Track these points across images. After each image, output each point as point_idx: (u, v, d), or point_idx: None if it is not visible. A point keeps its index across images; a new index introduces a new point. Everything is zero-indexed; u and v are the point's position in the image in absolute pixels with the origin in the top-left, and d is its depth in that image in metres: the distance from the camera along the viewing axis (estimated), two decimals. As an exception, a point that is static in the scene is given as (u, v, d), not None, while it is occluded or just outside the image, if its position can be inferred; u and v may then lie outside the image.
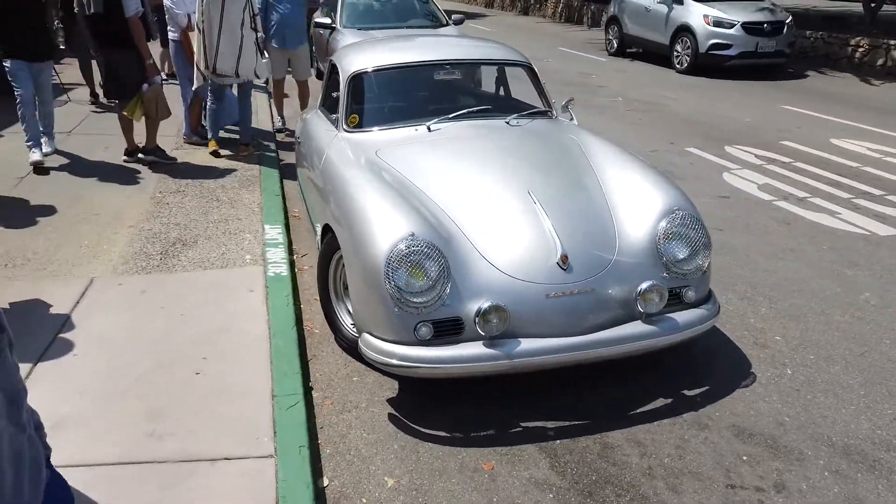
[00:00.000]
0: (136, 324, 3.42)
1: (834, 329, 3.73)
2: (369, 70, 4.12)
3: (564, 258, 2.96)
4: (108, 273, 4.00)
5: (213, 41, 5.88)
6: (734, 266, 4.50)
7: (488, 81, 4.89)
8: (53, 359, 3.09)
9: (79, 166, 6.05)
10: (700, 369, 3.37)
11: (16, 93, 5.75)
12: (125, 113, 5.99)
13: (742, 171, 6.55)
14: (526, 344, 2.84)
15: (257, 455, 2.54)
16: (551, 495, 2.58)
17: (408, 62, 4.22)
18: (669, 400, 3.13)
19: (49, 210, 4.97)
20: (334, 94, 4.27)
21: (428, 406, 3.07)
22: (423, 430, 2.93)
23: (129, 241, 4.47)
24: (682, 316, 3.07)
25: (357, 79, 4.10)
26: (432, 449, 2.82)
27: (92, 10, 5.75)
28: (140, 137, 6.20)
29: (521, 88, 4.80)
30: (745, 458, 2.77)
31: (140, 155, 6.26)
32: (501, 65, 4.46)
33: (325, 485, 2.61)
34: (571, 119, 4.50)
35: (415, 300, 2.80)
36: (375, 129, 3.97)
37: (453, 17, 10.35)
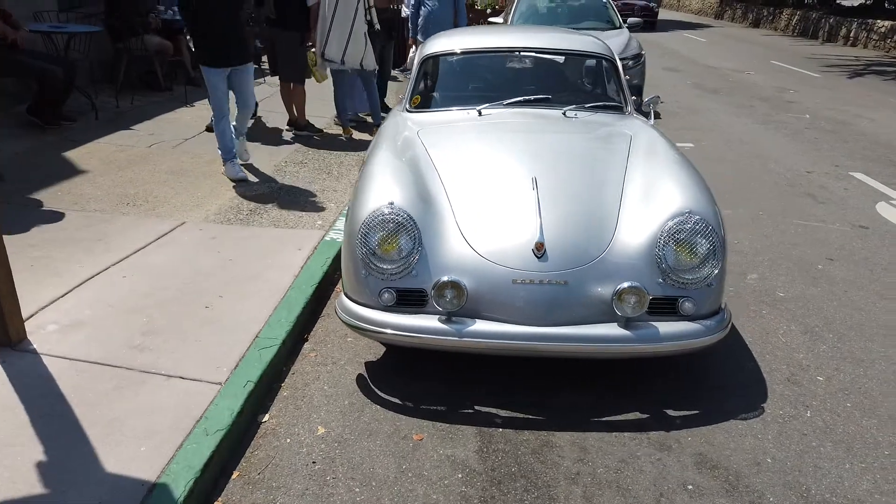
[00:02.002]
0: (189, 261, 3.89)
1: (892, 382, 3.15)
2: (438, 54, 4.24)
3: (539, 246, 2.86)
4: (199, 220, 4.57)
5: (325, 28, 6.34)
6: (820, 298, 3.94)
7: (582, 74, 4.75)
8: (108, 276, 3.65)
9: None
10: (703, 392, 3.05)
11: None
12: (317, 79, 6.80)
13: (904, 203, 5.64)
14: (480, 326, 2.80)
15: (208, 380, 2.81)
16: (460, 475, 2.54)
17: (476, 48, 4.27)
18: (646, 415, 2.89)
19: (187, 166, 5.76)
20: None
21: (399, 375, 3.15)
22: (379, 393, 3.01)
23: (232, 197, 5.05)
24: (666, 326, 2.81)
25: (426, 62, 4.25)
26: (377, 412, 2.90)
27: None
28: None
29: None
30: (689, 486, 2.49)
31: (294, 129, 7.04)
32: (580, 56, 4.32)
33: (263, 419, 2.82)
34: (649, 116, 4.25)
35: (382, 266, 2.89)
36: (432, 110, 4.09)
37: (629, 20, 10.05)
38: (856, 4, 22.46)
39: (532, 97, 4.00)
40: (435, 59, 4.27)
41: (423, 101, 4.19)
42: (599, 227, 2.99)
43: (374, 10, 6.83)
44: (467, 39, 4.45)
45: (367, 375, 3.14)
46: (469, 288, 2.82)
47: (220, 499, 2.39)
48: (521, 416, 2.88)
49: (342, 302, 3.03)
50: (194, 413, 2.61)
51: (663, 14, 28.53)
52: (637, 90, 8.84)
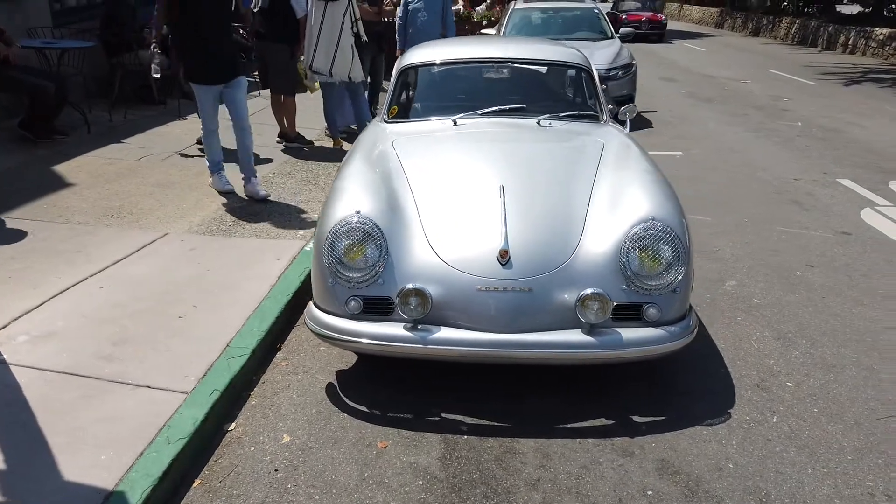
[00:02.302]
0: (167, 271, 3.93)
1: (871, 386, 3.14)
2: (415, 65, 4.29)
3: (504, 253, 2.88)
4: (181, 231, 4.61)
5: (312, 41, 6.40)
6: (797, 305, 3.94)
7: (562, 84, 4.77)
8: (85, 287, 3.68)
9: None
10: (671, 398, 3.05)
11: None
12: (310, 90, 6.94)
13: (889, 210, 5.63)
14: (445, 333, 2.81)
15: (175, 389, 2.84)
16: (421, 482, 2.55)
17: (453, 59, 4.32)
18: (611, 422, 2.89)
19: (175, 178, 5.81)
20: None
21: (369, 383, 3.16)
22: (347, 401, 3.03)
23: (216, 209, 5.09)
24: (630, 332, 2.82)
25: (404, 73, 4.29)
26: (344, 420, 2.91)
27: (259, 6, 6.65)
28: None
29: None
30: (649, 492, 2.49)
31: (284, 141, 7.11)
32: (555, 66, 4.35)
33: (229, 428, 2.83)
34: (625, 125, 4.27)
35: (348, 274, 2.92)
36: (409, 120, 4.13)
37: (621, 31, 10.10)
38: (855, 12, 22.47)
39: (507, 107, 4.03)
40: (412, 69, 4.32)
41: (401, 111, 4.23)
42: (565, 235, 3.01)
43: (360, 23, 6.89)
44: (445, 50, 4.50)
45: (336, 384, 3.16)
46: (434, 295, 2.84)
47: (179, 507, 2.40)
48: (487, 423, 2.89)
49: (310, 310, 3.06)
50: (158, 422, 2.63)
51: (663, 24, 28.52)
52: (628, 99, 8.87)
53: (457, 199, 3.19)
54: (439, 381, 3.13)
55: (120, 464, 2.39)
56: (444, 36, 7.97)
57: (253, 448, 2.72)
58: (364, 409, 2.98)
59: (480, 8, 13.49)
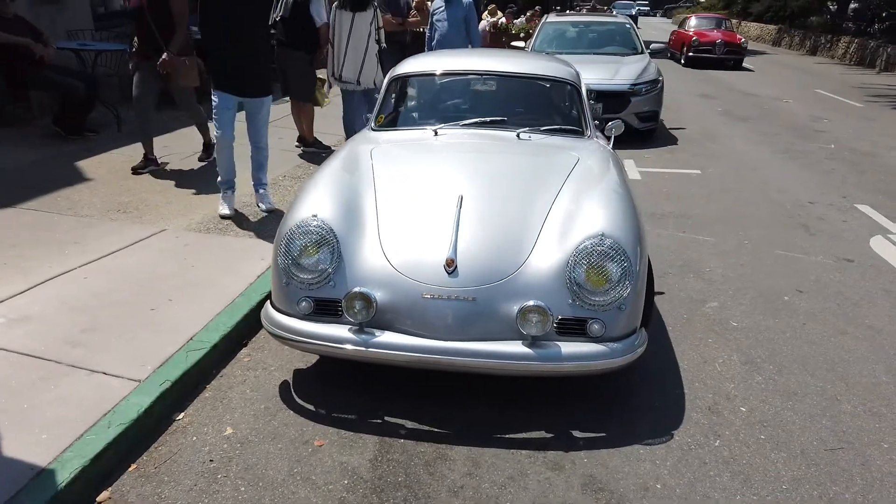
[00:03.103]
0: (153, 266, 4.09)
1: (829, 416, 3.06)
2: (404, 75, 4.37)
3: (450, 262, 2.92)
4: (179, 228, 4.79)
5: (340, 51, 6.56)
6: (774, 330, 3.85)
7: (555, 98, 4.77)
8: (72, 276, 3.87)
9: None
10: (617, 415, 3.03)
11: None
12: (319, 104, 7.17)
13: (902, 238, 5.44)
14: (388, 337, 2.87)
15: (128, 377, 2.97)
16: (346, 481, 2.60)
17: (439, 70, 4.38)
18: (550, 434, 2.90)
19: (188, 177, 6.03)
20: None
21: (323, 382, 3.24)
22: (297, 398, 3.11)
23: (217, 208, 5.26)
24: (570, 347, 2.83)
25: (394, 82, 4.38)
26: (289, 416, 2.99)
27: (280, 15, 6.88)
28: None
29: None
30: (567, 507, 2.49)
31: (302, 146, 7.31)
32: (541, 80, 4.36)
33: (178, 417, 2.95)
34: (609, 140, 4.27)
35: (301, 275, 3.00)
36: (393, 129, 4.22)
37: (651, 46, 10.01)
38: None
39: (488, 119, 4.08)
40: (401, 80, 4.40)
41: (388, 119, 4.31)
42: (516, 246, 3.03)
43: (382, 31, 7.04)
44: (435, 62, 4.57)
45: (291, 381, 3.25)
46: (379, 300, 2.90)
47: (108, 488, 2.51)
48: (427, 427, 2.93)
49: (266, 309, 3.15)
50: (104, 407, 2.75)
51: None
52: (653, 116, 8.81)
53: (416, 207, 3.25)
54: (391, 384, 3.18)
55: (58, 444, 2.52)
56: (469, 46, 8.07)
57: (195, 438, 2.82)
58: (311, 407, 3.06)
59: (519, 20, 13.55)
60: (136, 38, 6.04)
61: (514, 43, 10.57)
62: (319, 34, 6.60)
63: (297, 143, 7.47)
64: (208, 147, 6.56)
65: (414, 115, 4.41)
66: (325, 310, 3.00)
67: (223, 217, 5.07)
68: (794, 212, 6.11)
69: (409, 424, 2.95)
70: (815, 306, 4.18)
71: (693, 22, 20.90)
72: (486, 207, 3.22)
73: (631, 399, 3.16)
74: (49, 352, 3.10)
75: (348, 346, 2.88)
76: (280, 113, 8.57)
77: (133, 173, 5.99)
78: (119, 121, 7.50)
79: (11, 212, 4.83)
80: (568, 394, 3.17)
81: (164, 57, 5.58)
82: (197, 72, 6.09)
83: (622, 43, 10.09)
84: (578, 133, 4.16)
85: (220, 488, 2.55)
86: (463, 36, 8.10)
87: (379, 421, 2.97)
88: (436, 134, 4.01)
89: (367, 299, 2.88)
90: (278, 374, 3.31)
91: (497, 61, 4.48)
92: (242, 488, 2.55)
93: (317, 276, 2.99)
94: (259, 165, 5.37)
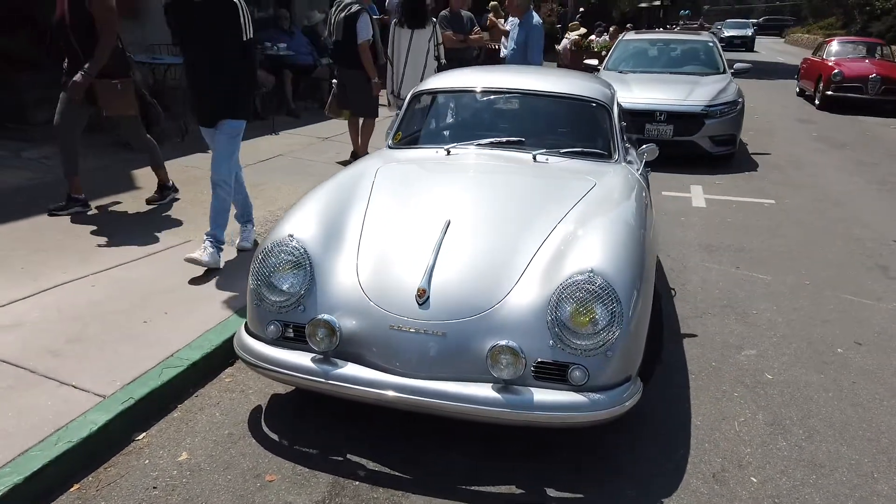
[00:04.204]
0: (162, 277, 4.08)
1: (857, 497, 2.60)
2: (424, 92, 4.19)
3: (421, 292, 2.70)
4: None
5: (399, 68, 6.49)
6: (815, 387, 3.38)
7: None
8: (80, 284, 3.91)
9: (299, 163, 7.22)
10: (605, 475, 2.70)
11: None
12: (340, 117, 7.09)
13: None
14: (349, 370, 2.67)
15: (94, 392, 2.91)
16: (283, 524, 2.42)
17: (459, 87, 4.17)
18: (521, 491, 2.60)
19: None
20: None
21: (297, 411, 3.08)
22: (264, 427, 2.96)
23: (258, 217, 5.24)
24: (543, 395, 2.53)
25: (415, 99, 4.21)
26: (249, 445, 2.84)
27: (334, 38, 6.99)
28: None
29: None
30: (513, 580, 2.19)
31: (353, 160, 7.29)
32: (569, 100, 4.05)
33: (138, 437, 2.86)
34: (639, 166, 3.92)
35: (271, 297, 2.86)
36: (408, 147, 4.04)
37: (735, 65, 9.41)
38: None
39: (504, 139, 3.83)
40: (423, 96, 4.22)
41: (405, 137, 4.14)
42: (498, 278, 2.76)
43: (441, 48, 6.95)
44: (459, 78, 4.36)
45: (264, 407, 3.11)
46: (344, 329, 2.71)
47: (42, 509, 2.44)
48: (388, 471, 2.70)
49: (239, 330, 3.03)
50: (60, 422, 2.70)
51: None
52: (729, 140, 8.24)
53: (400, 231, 3.04)
54: (364, 417, 2.97)
55: (0, 457, 2.47)
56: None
57: (147, 461, 2.72)
58: (275, 437, 2.90)
59: (602, 38, 13.14)
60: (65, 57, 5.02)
61: (586, 61, 10.21)
62: (360, 50, 6.53)
63: (350, 158, 7.45)
64: (162, 188, 5.65)
65: (432, 133, 4.22)
66: (294, 336, 2.84)
67: (203, 265, 4.19)
68: (875, 251, 5.46)
69: (371, 465, 2.73)
70: (871, 362, 3.64)
71: (834, 48, 15.36)
72: (474, 234, 2.98)
73: (625, 456, 2.82)
74: (27, 360, 3.10)
75: (308, 377, 2.70)
76: (337, 129, 8.64)
77: (48, 215, 5.02)
78: (182, 131, 7.73)
79: (53, 218, 4.99)
80: (556, 445, 2.85)
81: (75, 78, 4.74)
82: (132, 97, 5.26)
83: (704, 62, 9.54)
84: (604, 157, 3.84)
85: (153, 519, 2.42)
86: (524, 57, 7.85)
87: (340, 458, 2.77)
88: (448, 153, 3.80)
89: (330, 327, 2.70)
90: (254, 398, 3.17)
91: (525, 79, 4.22)
92: (175, 521, 2.42)
93: (287, 299, 2.84)
94: (213, 209, 4.34)
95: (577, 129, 4.05)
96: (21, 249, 4.34)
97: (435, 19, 6.78)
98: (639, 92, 8.32)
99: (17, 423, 2.69)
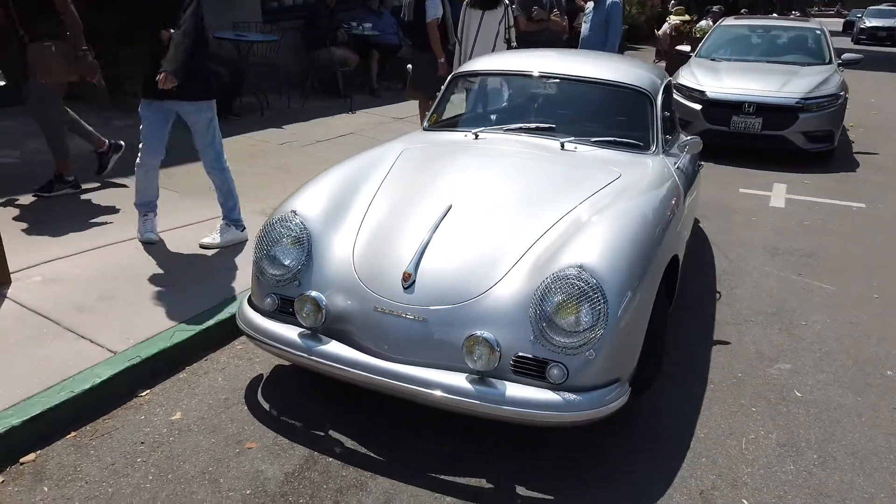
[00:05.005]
0: (183, 250, 4.23)
1: (859, 536, 2.36)
2: (464, 73, 4.12)
3: (406, 276, 2.68)
4: (253, 211, 4.95)
5: (467, 50, 6.41)
6: (847, 410, 3.09)
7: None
8: (124, 246, 4.15)
9: (366, 142, 7.32)
10: (585, 476, 2.59)
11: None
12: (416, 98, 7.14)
13: None
14: (332, 348, 2.69)
15: (108, 348, 3.08)
16: (248, 491, 2.47)
17: (501, 70, 4.06)
18: (490, 485, 2.54)
19: (296, 164, 6.25)
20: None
21: (296, 384, 3.13)
22: (259, 396, 3.04)
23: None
24: (517, 390, 2.44)
25: (454, 81, 4.15)
26: (239, 412, 2.92)
27: (406, 18, 7.03)
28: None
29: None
30: (453, 574, 2.15)
31: None
32: (608, 86, 3.84)
33: (142, 394, 3.01)
34: (679, 160, 3.69)
35: (270, 271, 2.92)
36: (440, 130, 4.00)
37: (844, 56, 8.66)
38: None
39: (533, 125, 3.71)
40: (461, 79, 4.15)
41: (440, 119, 4.10)
42: (489, 267, 2.69)
43: (513, 30, 6.80)
44: (499, 61, 4.26)
45: (265, 376, 3.19)
46: (331, 307, 2.73)
47: (38, 451, 2.61)
48: (363, 451, 2.71)
49: (243, 301, 3.11)
50: (68, 372, 2.88)
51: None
52: (826, 136, 7.62)
53: (402, 213, 3.02)
54: (357, 395, 2.98)
55: (6, 399, 2.67)
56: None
57: (143, 417, 2.86)
58: (266, 406, 2.97)
59: (703, 23, 12.45)
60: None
61: (678, 47, 9.70)
62: (428, 29, 6.48)
63: None
64: (59, 178, 4.90)
65: (466, 116, 4.15)
66: (288, 309, 2.89)
67: (146, 242, 4.19)
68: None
69: (349, 443, 2.75)
70: (922, 389, 3.28)
71: None
72: (474, 220, 2.91)
73: (610, 461, 2.69)
74: (56, 312, 3.33)
75: (292, 351, 2.75)
76: (411, 110, 8.66)
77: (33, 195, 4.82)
78: (262, 106, 8.02)
79: (114, 187, 5.31)
80: (545, 442, 2.76)
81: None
82: (66, 65, 4.54)
83: (808, 51, 8.82)
84: (639, 147, 3.64)
85: (132, 473, 2.54)
86: (602, 39, 7.57)
87: (321, 433, 2.81)
88: (476, 137, 3.73)
89: (316, 304, 2.72)
90: (259, 367, 3.26)
91: (567, 63, 4.05)
92: (150, 477, 2.53)
93: (284, 273, 2.89)
94: (217, 189, 4.37)
95: (615, 117, 3.86)
96: (84, 212, 4.65)
97: (507, 1, 6.63)
98: (728, 81, 7.83)
99: (31, 370, 2.89)
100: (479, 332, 2.49)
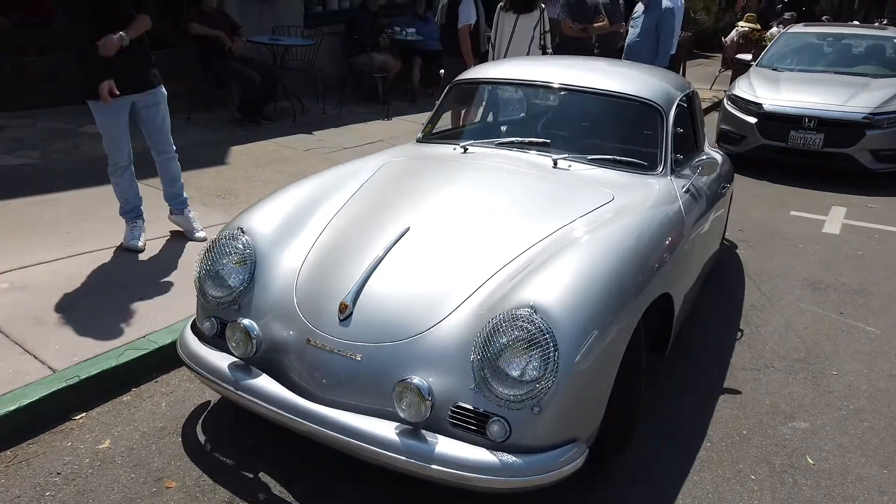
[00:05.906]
0: (192, 253, 4.06)
1: None
2: (461, 82, 3.80)
3: (343, 307, 2.39)
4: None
5: (500, 56, 6.10)
6: (866, 485, 2.61)
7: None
8: (107, 253, 4.02)
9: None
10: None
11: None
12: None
13: None
14: (259, 382, 2.42)
15: (49, 365, 2.91)
16: (149, 540, 2.24)
17: (498, 79, 3.71)
18: (418, 554, 2.22)
19: (314, 170, 6.01)
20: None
21: (239, 417, 2.88)
22: (197, 428, 2.81)
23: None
24: (449, 446, 2.12)
25: (451, 89, 3.84)
26: (170, 445, 2.69)
27: (440, 23, 6.80)
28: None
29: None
30: None
31: None
32: (615, 98, 3.43)
33: (75, 417, 2.82)
34: (689, 182, 3.26)
35: (210, 292, 2.69)
36: (431, 143, 3.69)
37: (923, 68, 7.88)
38: None
39: (526, 140, 3.36)
40: (458, 88, 3.83)
41: (433, 131, 3.79)
42: (436, 301, 2.38)
43: (548, 35, 6.45)
44: (498, 69, 3.91)
45: (212, 404, 2.96)
46: (264, 337, 2.48)
47: (-54, 477, 2.46)
48: (289, 500, 2.43)
49: (187, 323, 2.89)
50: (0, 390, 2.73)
51: None
52: (888, 157, 6.91)
53: (356, 235, 2.73)
54: (299, 437, 2.71)
55: (-77, 419, 2.53)
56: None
57: (70, 444, 2.67)
58: (202, 440, 2.74)
59: (773, 30, 11.68)
60: None
61: (738, 55, 9.06)
62: (459, 34, 6.22)
63: None
64: None
65: (459, 127, 3.83)
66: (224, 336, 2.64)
67: (130, 250, 4.07)
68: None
69: (276, 490, 2.48)
70: (968, 464, 2.76)
71: None
72: (430, 246, 2.60)
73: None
74: (9, 324, 3.19)
75: (217, 381, 2.50)
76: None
77: None
78: (295, 111, 7.90)
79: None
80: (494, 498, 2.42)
81: None
82: None
83: (884, 62, 8.06)
84: (644, 167, 3.23)
85: (35, 507, 2.35)
86: (653, 45, 7.08)
87: (250, 475, 2.55)
88: (465, 151, 3.41)
89: (246, 333, 2.47)
90: (209, 393, 3.03)
91: (574, 72, 3.65)
92: (53, 514, 2.33)
93: (225, 295, 2.65)
94: (163, 179, 4.28)
95: (619, 133, 3.46)
96: (75, 217, 4.56)
97: (544, 4, 6.27)
98: (787, 93, 7.21)
99: (-38, 385, 2.75)
100: (409, 378, 2.17)
